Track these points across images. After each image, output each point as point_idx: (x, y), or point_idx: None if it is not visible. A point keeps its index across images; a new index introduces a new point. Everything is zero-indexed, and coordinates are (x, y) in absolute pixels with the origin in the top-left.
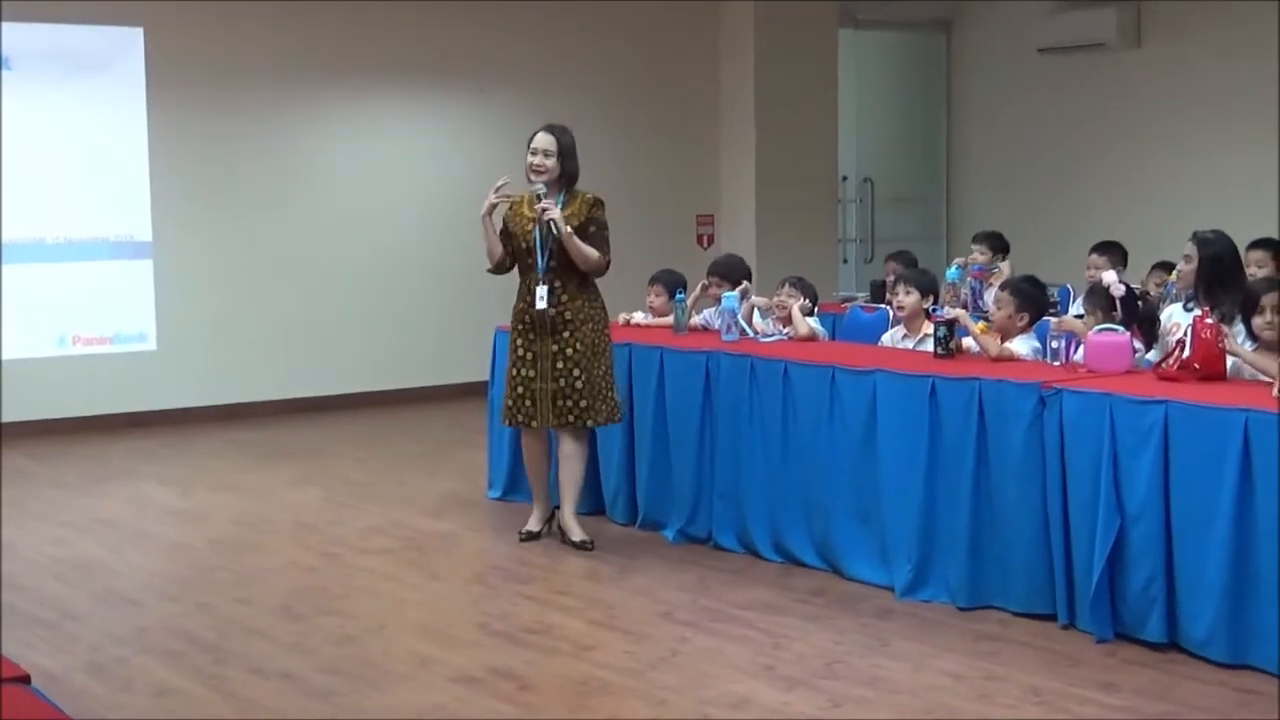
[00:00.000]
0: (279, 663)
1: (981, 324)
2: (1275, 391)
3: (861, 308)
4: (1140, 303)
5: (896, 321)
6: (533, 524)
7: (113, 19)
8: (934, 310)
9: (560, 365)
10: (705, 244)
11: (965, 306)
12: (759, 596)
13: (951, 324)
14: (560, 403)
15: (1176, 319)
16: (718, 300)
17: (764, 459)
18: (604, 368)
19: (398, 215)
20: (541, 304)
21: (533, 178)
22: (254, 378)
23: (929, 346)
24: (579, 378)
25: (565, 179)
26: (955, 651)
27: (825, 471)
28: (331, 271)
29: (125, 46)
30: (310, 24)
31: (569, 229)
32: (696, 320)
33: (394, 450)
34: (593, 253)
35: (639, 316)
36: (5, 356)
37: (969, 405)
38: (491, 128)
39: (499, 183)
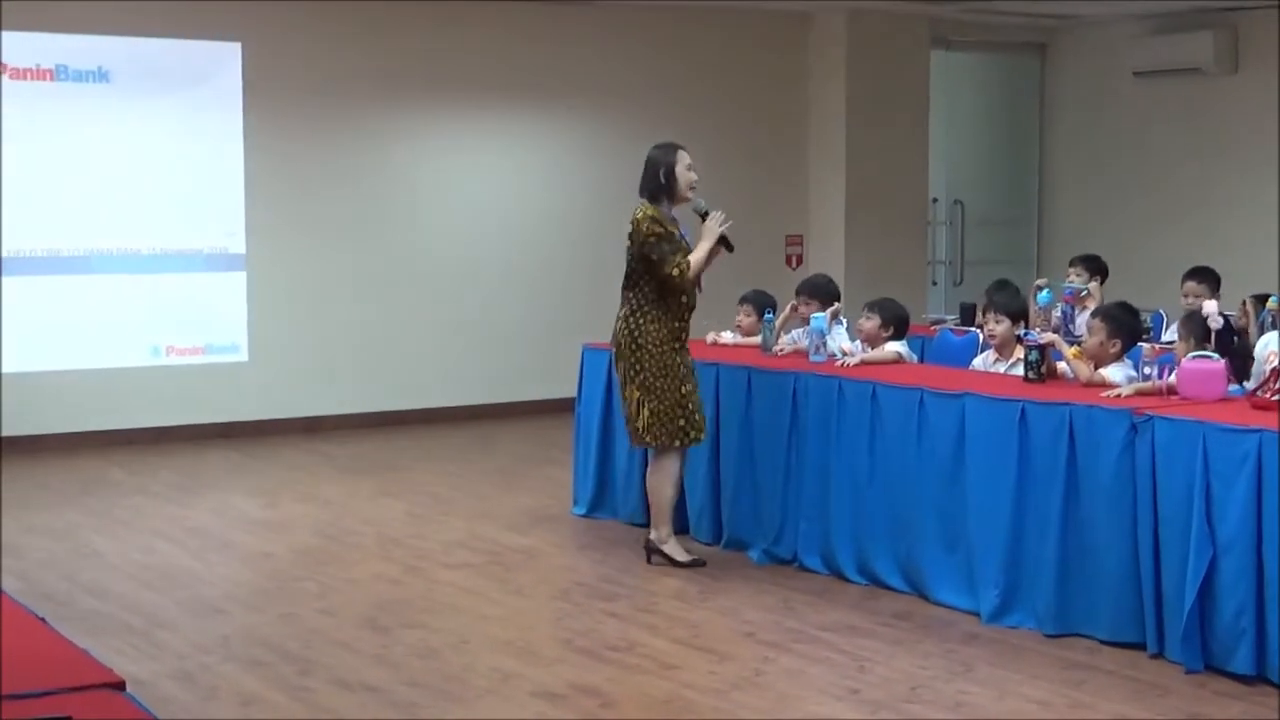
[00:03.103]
0: (363, 675)
1: (1074, 349)
2: None
3: (951, 330)
4: (1235, 337)
5: (987, 346)
6: (685, 551)
7: (211, 34)
8: (1025, 335)
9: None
10: (794, 264)
11: (1056, 330)
12: (843, 619)
13: (1043, 348)
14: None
15: (1273, 347)
16: (806, 321)
17: (850, 481)
18: None
19: (486, 231)
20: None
21: (692, 195)
22: (341, 390)
23: (1020, 371)
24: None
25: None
26: (1041, 679)
27: (912, 494)
28: (419, 287)
29: (223, 61)
30: (404, 40)
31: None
32: (783, 340)
33: (477, 465)
34: None
35: (726, 335)
36: (99, 365)
37: (1059, 431)
38: (580, 144)
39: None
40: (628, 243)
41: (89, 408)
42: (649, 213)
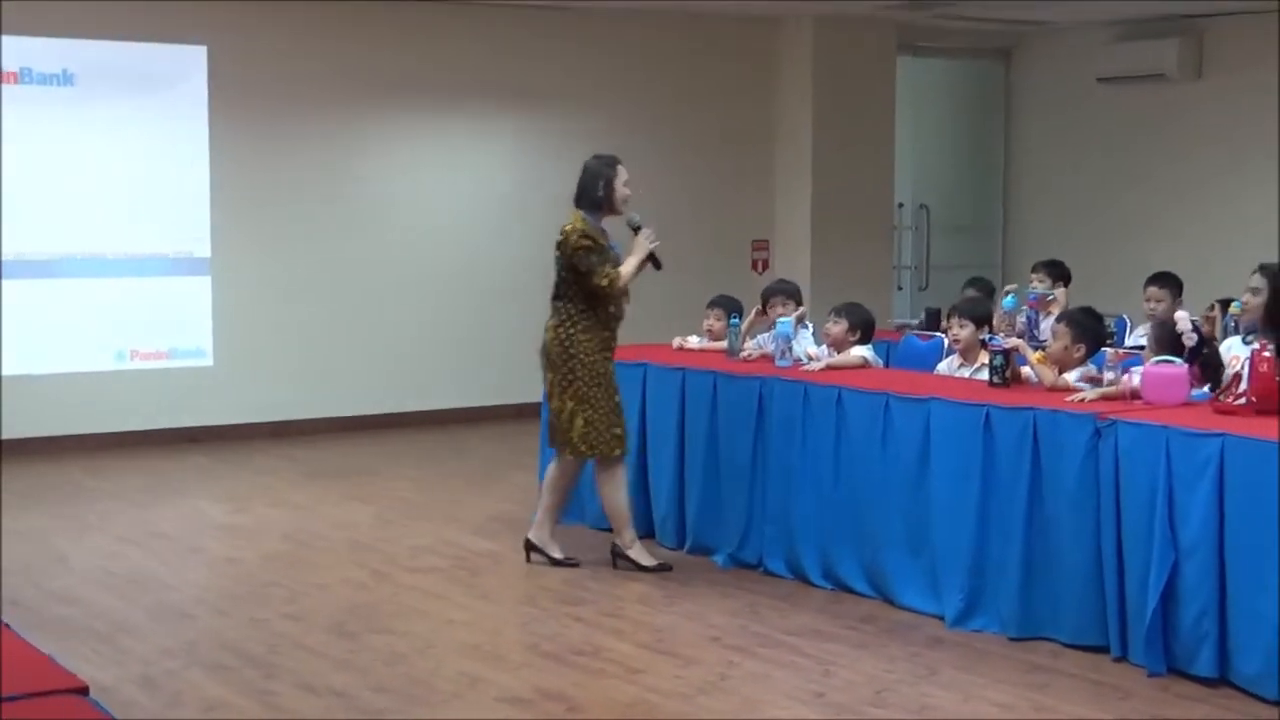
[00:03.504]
0: (329, 680)
1: (1038, 353)
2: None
3: (916, 335)
4: (1206, 348)
5: (952, 350)
6: (650, 556)
7: (177, 37)
8: (990, 340)
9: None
10: (760, 269)
11: (1021, 335)
12: (808, 623)
13: (1008, 353)
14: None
15: (1235, 352)
16: (772, 325)
17: (815, 485)
18: None
19: (453, 235)
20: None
21: (625, 209)
22: (308, 395)
23: (985, 376)
24: None
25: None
26: (1005, 682)
27: (877, 498)
28: (386, 291)
29: (188, 64)
30: (370, 45)
31: None
32: (750, 345)
33: (446, 470)
34: None
35: (693, 340)
36: (64, 370)
37: (1023, 435)
38: (547, 149)
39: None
40: (556, 253)
41: (54, 412)
42: (578, 224)
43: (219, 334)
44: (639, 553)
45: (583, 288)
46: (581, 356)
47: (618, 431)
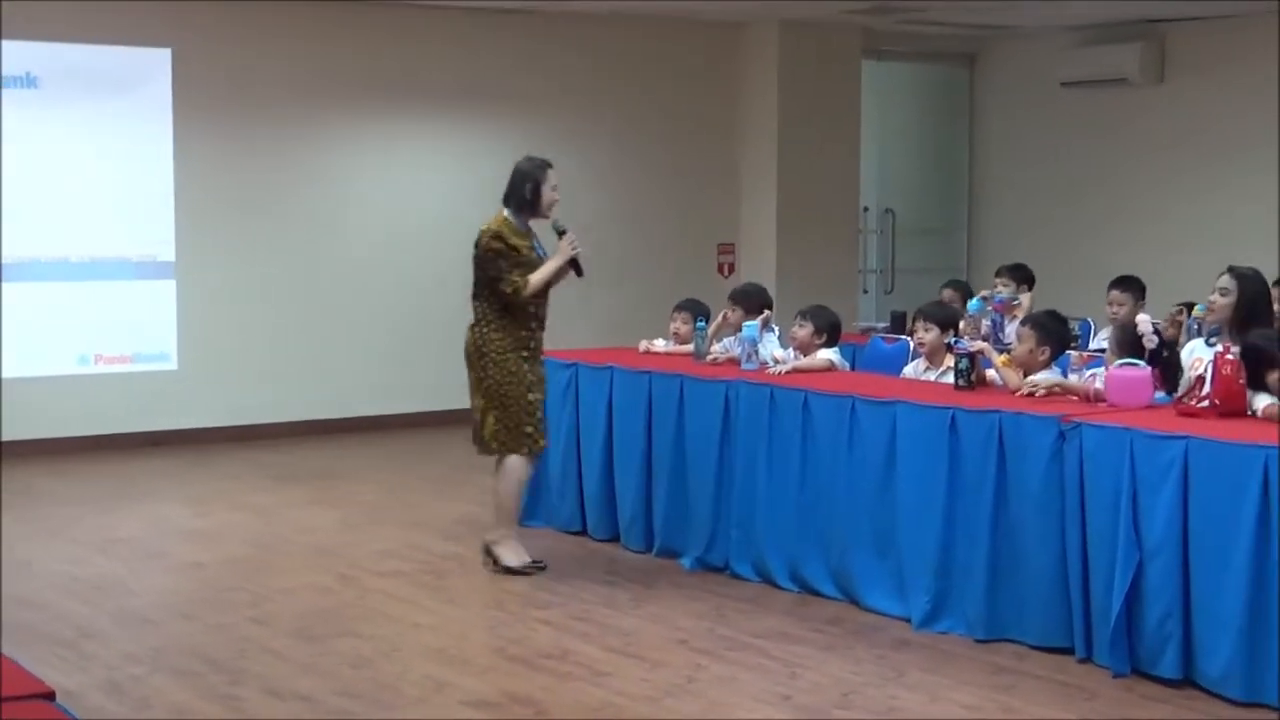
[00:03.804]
0: (294, 684)
1: (1003, 357)
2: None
3: (882, 338)
4: (1166, 352)
5: (918, 354)
6: (524, 555)
7: (141, 40)
8: (955, 343)
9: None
10: (726, 272)
11: (986, 339)
12: (775, 625)
13: (973, 356)
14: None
15: (1198, 354)
16: (738, 329)
17: (782, 488)
18: None
19: (419, 238)
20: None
21: (553, 211)
22: (273, 399)
23: (950, 379)
24: None
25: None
26: (971, 684)
27: (843, 501)
28: (352, 295)
29: (153, 67)
30: (335, 47)
31: None
32: (716, 349)
33: (412, 473)
34: None
35: (660, 344)
36: (26, 374)
37: (989, 438)
38: (513, 151)
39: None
40: (473, 253)
41: (17, 416)
42: (494, 227)
43: (183, 338)
44: (506, 550)
45: (492, 290)
46: (493, 355)
47: (529, 430)
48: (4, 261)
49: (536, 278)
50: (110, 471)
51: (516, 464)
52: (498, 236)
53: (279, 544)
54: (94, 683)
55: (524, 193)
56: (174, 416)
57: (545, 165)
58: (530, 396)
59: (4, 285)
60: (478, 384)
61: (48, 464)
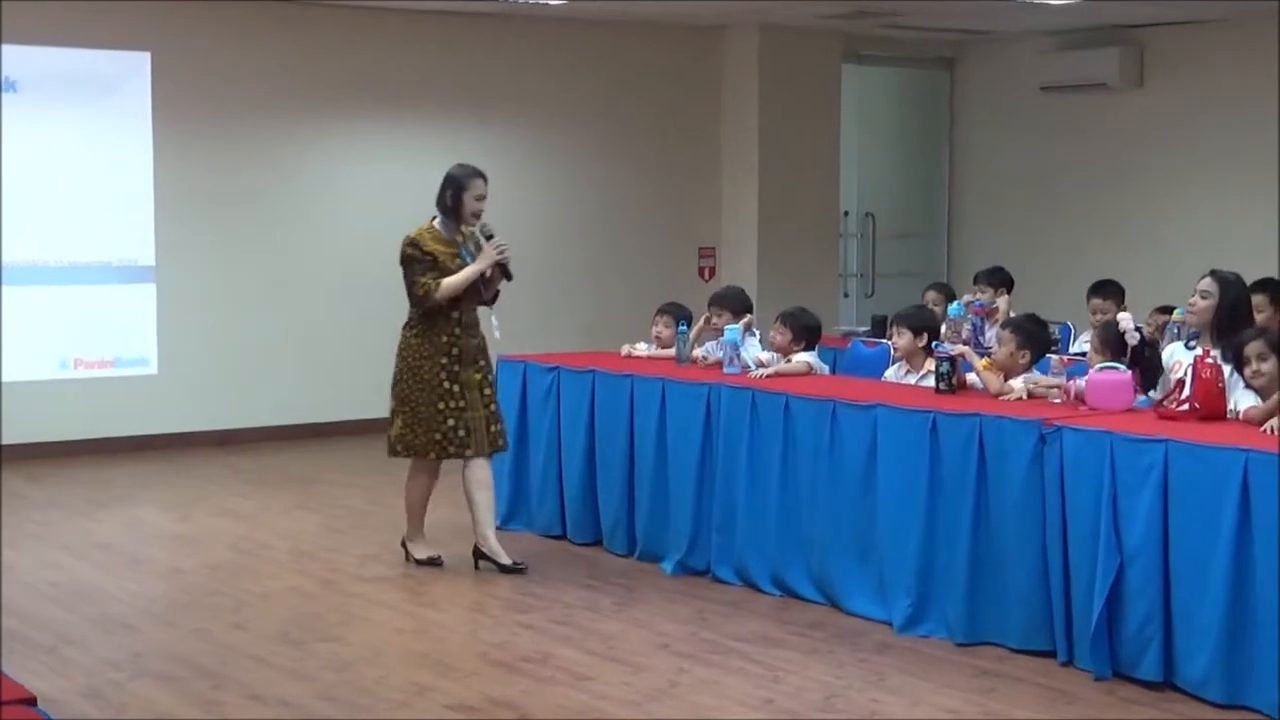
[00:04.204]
0: (276, 689)
1: (984, 360)
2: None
3: (863, 342)
4: (1148, 349)
5: (899, 358)
6: (426, 551)
7: (120, 43)
8: (936, 346)
9: (488, 392)
10: (707, 276)
11: (967, 343)
12: (757, 629)
13: (954, 360)
14: (493, 428)
15: (1178, 357)
16: (719, 332)
17: (763, 492)
18: None
19: (399, 242)
20: (497, 334)
21: (475, 220)
22: (254, 403)
23: (931, 382)
24: (496, 402)
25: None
26: (953, 687)
27: (825, 505)
28: (332, 298)
29: (132, 71)
30: (316, 51)
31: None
32: (698, 352)
33: (393, 478)
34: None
35: (642, 347)
36: (6, 379)
37: (969, 441)
38: (493, 156)
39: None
40: None
41: None
42: (412, 234)
43: (164, 342)
44: (415, 546)
45: (410, 295)
46: (408, 360)
47: (437, 437)
48: None
49: (450, 281)
50: (90, 477)
51: (418, 468)
52: (413, 243)
53: (260, 549)
54: (75, 689)
55: (446, 199)
56: (154, 421)
57: (474, 174)
58: (439, 405)
59: None
60: (393, 385)
61: (28, 468)
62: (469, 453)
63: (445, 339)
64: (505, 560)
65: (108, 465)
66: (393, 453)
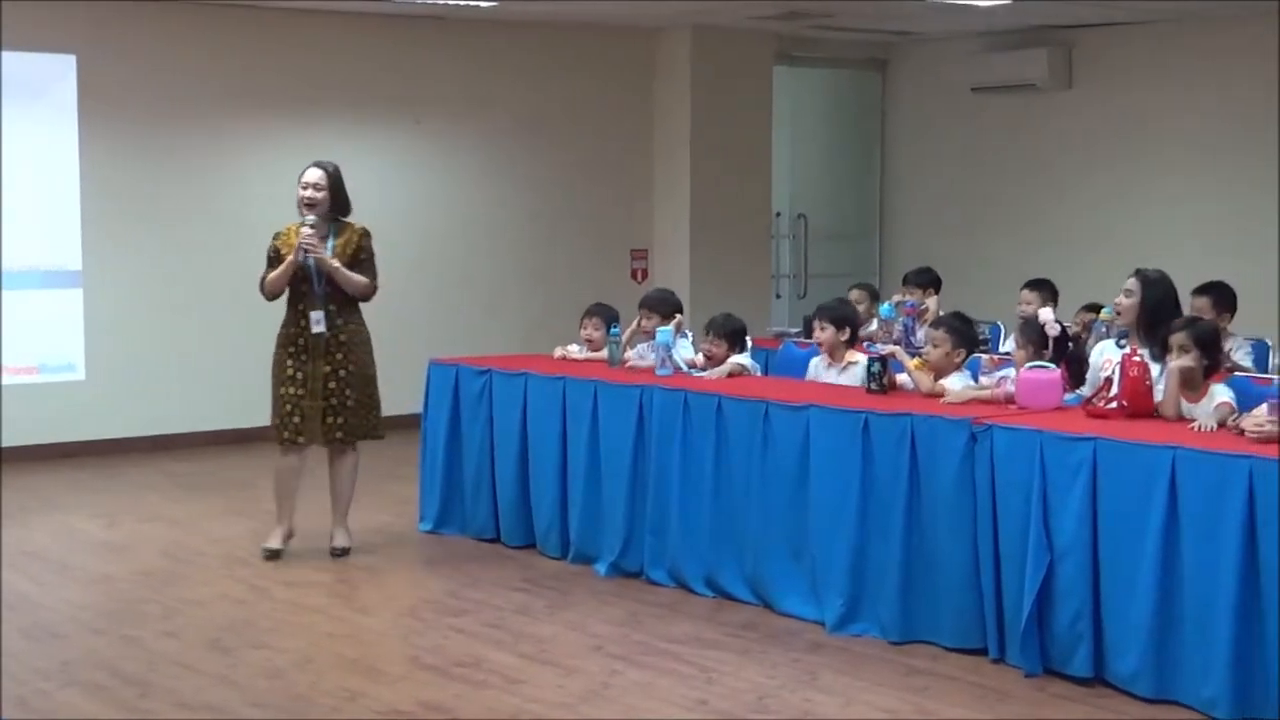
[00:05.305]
0: (206, 696)
1: (916, 360)
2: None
3: (795, 343)
4: (1071, 343)
5: (821, 351)
6: (277, 541)
7: (45, 46)
8: (869, 346)
9: (332, 385)
10: (639, 278)
11: (898, 343)
12: (690, 631)
13: (884, 360)
14: (330, 420)
15: (1109, 355)
16: (650, 335)
17: (696, 493)
18: (373, 388)
19: None
20: (319, 328)
21: (305, 211)
22: (184, 409)
23: (853, 375)
24: (350, 397)
25: (336, 211)
26: (886, 686)
27: (757, 506)
28: (263, 303)
29: (58, 74)
30: (244, 53)
31: (335, 262)
32: (630, 355)
33: (323, 483)
34: (361, 279)
35: (574, 349)
36: None
37: (901, 441)
38: (426, 158)
39: (309, 229)
40: None
41: None
42: (286, 228)
43: (91, 347)
44: (271, 535)
45: None
46: (275, 350)
47: (278, 422)
48: None
49: (270, 276)
50: (17, 484)
51: (283, 455)
52: (277, 236)
53: (191, 555)
54: (3, 698)
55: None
56: (83, 427)
57: (312, 165)
58: (280, 390)
59: None
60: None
61: None
62: (302, 439)
63: (292, 330)
64: (275, 545)
65: (36, 472)
66: (378, 437)
